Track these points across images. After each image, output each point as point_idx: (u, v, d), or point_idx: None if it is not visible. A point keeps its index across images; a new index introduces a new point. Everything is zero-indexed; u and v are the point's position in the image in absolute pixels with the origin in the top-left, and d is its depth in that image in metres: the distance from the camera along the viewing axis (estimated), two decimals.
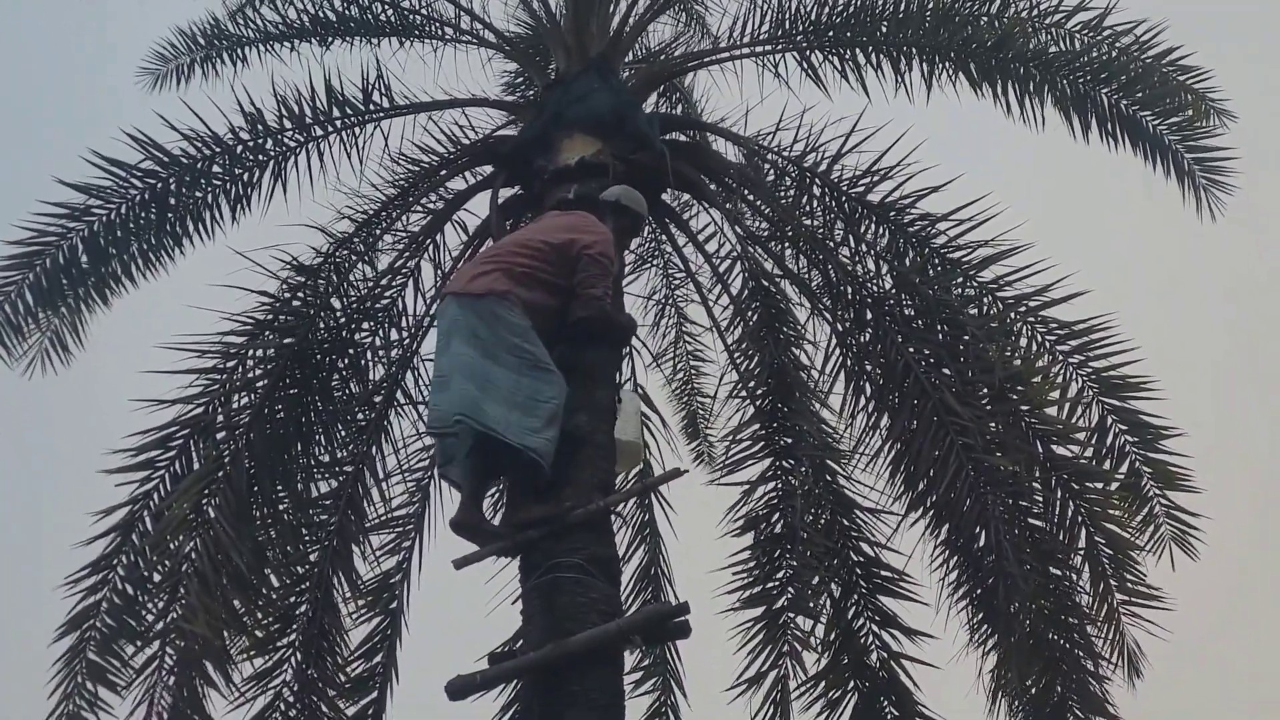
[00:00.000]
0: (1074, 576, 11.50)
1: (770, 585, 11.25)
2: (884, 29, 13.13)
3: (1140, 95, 13.00)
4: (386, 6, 14.13)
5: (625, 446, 10.08)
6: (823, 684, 11.62)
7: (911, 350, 11.36)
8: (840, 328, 12.14)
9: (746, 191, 12.77)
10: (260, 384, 11.51)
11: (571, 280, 9.71)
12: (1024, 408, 11.24)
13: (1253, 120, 13.60)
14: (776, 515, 11.46)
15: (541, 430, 9.11)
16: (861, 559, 11.78)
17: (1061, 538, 11.33)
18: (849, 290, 12.06)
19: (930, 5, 13.10)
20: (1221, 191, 13.04)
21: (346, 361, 12.28)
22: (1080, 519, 11.27)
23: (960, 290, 11.88)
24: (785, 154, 12.75)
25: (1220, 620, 24.13)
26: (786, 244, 12.63)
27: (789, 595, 11.08)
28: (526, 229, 10.60)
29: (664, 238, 14.30)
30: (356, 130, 13.10)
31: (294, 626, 11.73)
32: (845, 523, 11.86)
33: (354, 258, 12.54)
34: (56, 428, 29.54)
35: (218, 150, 12.67)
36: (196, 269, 12.98)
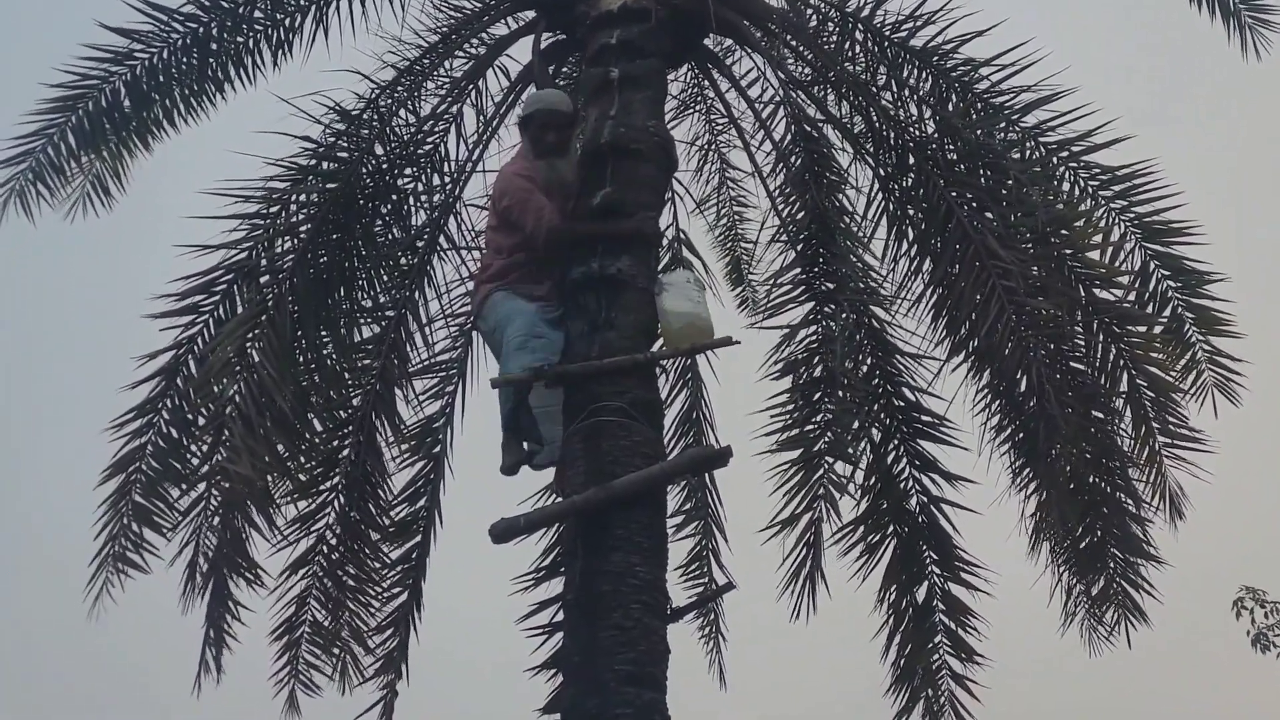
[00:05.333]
0: (1116, 419, 11.54)
1: (808, 429, 11.29)
2: None
3: None
4: None
5: (686, 319, 9.98)
6: (861, 529, 11.76)
7: (954, 194, 11.31)
8: (883, 172, 12.10)
9: (789, 36, 12.64)
10: (303, 229, 11.49)
11: None
12: (1066, 251, 11.22)
13: None
14: (816, 359, 11.48)
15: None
16: (902, 404, 11.88)
17: (1103, 381, 11.38)
18: (891, 135, 12.00)
19: None
20: (1268, 30, 12.88)
21: (389, 207, 12.28)
22: (1122, 362, 11.32)
23: (1003, 135, 11.82)
24: None
25: (1265, 461, 24.13)
26: (829, 89, 12.55)
27: (827, 439, 11.13)
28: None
29: (706, 83, 14.18)
30: None
31: (337, 470, 11.89)
32: (886, 368, 11.94)
33: (396, 104, 12.46)
34: (102, 273, 29.66)
35: None
36: (240, 115, 12.98)
